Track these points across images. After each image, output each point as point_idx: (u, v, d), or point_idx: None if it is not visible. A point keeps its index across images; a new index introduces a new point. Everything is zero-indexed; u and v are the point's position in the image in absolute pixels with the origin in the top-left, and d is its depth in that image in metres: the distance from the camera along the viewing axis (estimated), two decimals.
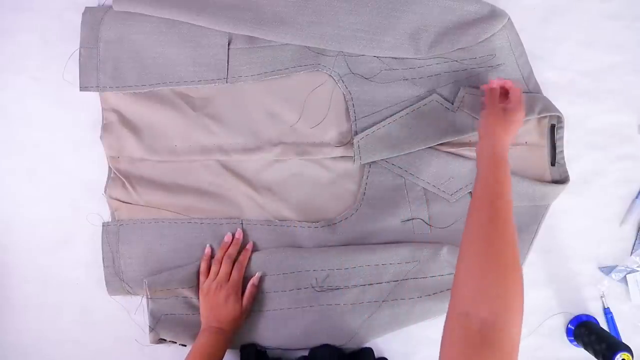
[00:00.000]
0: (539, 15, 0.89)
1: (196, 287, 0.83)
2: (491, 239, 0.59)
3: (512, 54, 0.86)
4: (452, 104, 0.84)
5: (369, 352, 0.83)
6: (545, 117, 0.86)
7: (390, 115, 0.84)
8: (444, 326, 0.55)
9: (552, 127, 0.86)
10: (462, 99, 0.84)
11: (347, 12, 0.84)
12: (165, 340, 0.83)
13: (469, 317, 0.53)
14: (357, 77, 0.85)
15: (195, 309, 0.83)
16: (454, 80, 0.85)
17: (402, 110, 0.84)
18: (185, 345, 0.84)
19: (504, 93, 0.80)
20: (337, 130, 0.86)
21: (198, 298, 0.83)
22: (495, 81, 0.80)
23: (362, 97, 0.85)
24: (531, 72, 0.87)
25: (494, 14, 0.85)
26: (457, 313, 0.54)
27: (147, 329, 0.83)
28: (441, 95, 0.84)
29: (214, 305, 0.79)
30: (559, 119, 0.85)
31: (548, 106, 0.84)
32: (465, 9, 0.84)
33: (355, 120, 0.85)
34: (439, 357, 0.53)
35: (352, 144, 0.84)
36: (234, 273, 0.82)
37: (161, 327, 0.83)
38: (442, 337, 0.54)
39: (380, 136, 0.84)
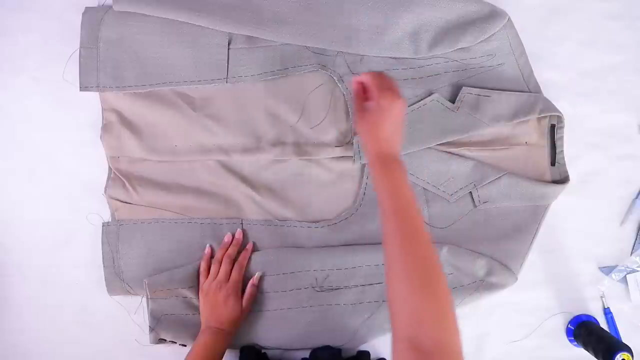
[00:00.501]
0: (539, 15, 0.89)
1: (196, 287, 0.83)
2: (407, 259, 0.58)
3: (512, 53, 0.86)
4: (453, 103, 0.84)
5: (366, 355, 0.83)
6: (545, 117, 0.86)
7: None
8: (392, 350, 0.55)
9: (552, 127, 0.86)
10: (462, 98, 0.84)
11: (346, 12, 0.84)
12: (165, 340, 0.83)
13: (412, 342, 0.53)
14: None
15: (196, 309, 0.83)
16: (455, 80, 0.85)
17: None
18: (185, 345, 0.83)
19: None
20: (337, 130, 0.86)
21: (198, 298, 0.83)
22: (352, 81, 0.71)
23: None
24: (531, 72, 0.86)
25: (494, 14, 0.85)
26: (400, 338, 0.54)
27: (147, 329, 0.83)
28: (441, 95, 0.84)
29: (214, 305, 0.79)
30: (559, 118, 0.85)
31: (548, 106, 0.84)
32: (465, 8, 0.84)
33: None
34: None
35: (352, 144, 0.84)
36: (234, 273, 0.82)
37: (161, 327, 0.83)
38: None
39: None
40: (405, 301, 0.56)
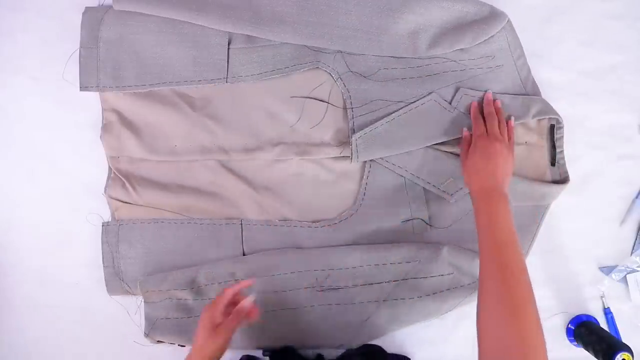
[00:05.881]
0: (539, 15, 0.89)
1: (190, 289, 0.83)
2: (498, 290, 0.60)
3: (510, 55, 0.86)
4: (450, 103, 0.84)
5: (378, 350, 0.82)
6: (544, 118, 0.86)
7: (388, 114, 0.84)
8: None
9: (552, 127, 0.86)
10: (460, 99, 0.84)
11: (346, 12, 0.84)
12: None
13: None
14: (355, 76, 0.85)
15: (190, 311, 0.83)
16: (453, 80, 0.85)
17: (400, 109, 0.84)
18: (184, 346, 0.84)
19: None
20: (337, 129, 0.86)
21: (192, 299, 0.83)
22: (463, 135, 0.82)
23: (360, 95, 0.85)
24: (529, 73, 0.86)
25: (494, 16, 0.84)
26: None
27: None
28: (439, 95, 0.84)
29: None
30: (557, 120, 0.85)
31: (544, 109, 0.83)
32: (464, 10, 0.84)
33: (353, 118, 0.85)
34: None
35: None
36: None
37: (156, 332, 0.83)
38: None
39: (378, 135, 0.84)
40: (492, 331, 0.58)
